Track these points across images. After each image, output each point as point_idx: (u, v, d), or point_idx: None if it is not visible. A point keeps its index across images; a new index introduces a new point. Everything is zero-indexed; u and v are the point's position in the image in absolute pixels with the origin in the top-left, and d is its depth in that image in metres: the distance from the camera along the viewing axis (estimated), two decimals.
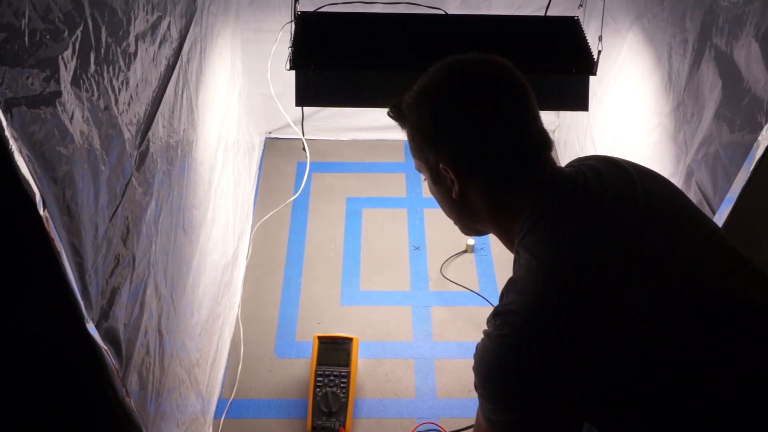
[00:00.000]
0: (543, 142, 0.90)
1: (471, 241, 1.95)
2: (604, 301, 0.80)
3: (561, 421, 0.85)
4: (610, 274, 0.81)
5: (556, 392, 0.81)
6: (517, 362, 0.81)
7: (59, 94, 0.70)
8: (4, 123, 0.60)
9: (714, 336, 0.80)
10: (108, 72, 0.83)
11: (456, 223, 1.02)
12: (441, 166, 0.90)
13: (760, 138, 1.07)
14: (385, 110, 0.97)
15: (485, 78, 0.89)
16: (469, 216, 0.96)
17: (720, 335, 0.80)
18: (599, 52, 1.50)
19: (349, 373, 1.57)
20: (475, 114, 0.87)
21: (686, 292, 0.82)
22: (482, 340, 0.87)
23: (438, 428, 1.55)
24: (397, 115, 0.95)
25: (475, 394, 0.92)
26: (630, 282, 0.81)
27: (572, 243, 0.82)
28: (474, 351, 0.88)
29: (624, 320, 0.80)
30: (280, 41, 1.88)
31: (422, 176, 0.99)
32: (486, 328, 0.87)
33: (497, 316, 0.84)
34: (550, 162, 0.90)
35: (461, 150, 0.88)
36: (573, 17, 1.66)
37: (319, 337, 1.61)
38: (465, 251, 1.96)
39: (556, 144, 0.89)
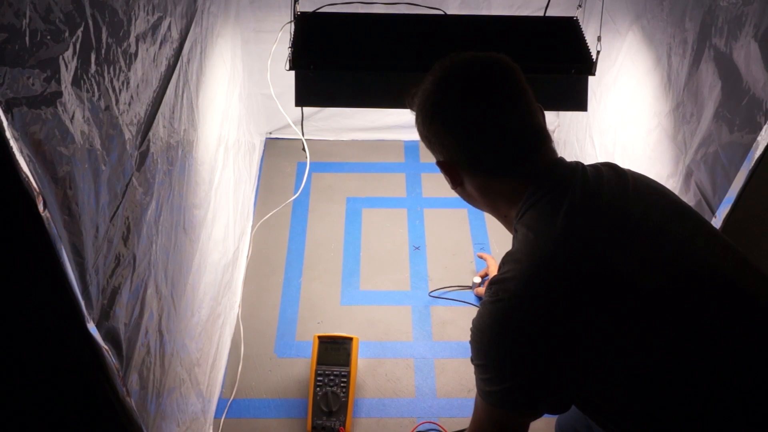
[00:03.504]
0: (538, 134, 0.92)
1: (477, 279, 1.86)
2: (598, 270, 0.83)
3: (553, 393, 0.87)
4: (605, 245, 0.84)
5: (548, 358, 0.83)
6: (511, 325, 0.84)
7: (60, 94, 0.71)
8: (5, 123, 0.60)
9: (698, 300, 0.83)
10: (109, 72, 0.83)
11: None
12: (438, 163, 0.96)
13: (759, 138, 1.07)
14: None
15: (473, 78, 0.91)
16: (471, 202, 1.00)
17: (706, 308, 0.83)
18: (598, 52, 1.50)
19: (349, 372, 1.57)
20: (463, 116, 0.90)
21: (675, 265, 0.85)
22: (479, 310, 0.89)
23: (438, 428, 1.55)
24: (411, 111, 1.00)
25: (474, 394, 0.92)
26: (623, 254, 0.84)
27: (568, 217, 0.85)
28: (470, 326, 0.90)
29: (617, 290, 0.82)
30: (279, 41, 1.88)
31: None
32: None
33: (493, 285, 0.87)
34: (549, 152, 0.93)
35: (452, 151, 0.93)
36: (572, 17, 1.66)
37: (319, 337, 1.62)
38: (470, 287, 1.89)
39: (555, 144, 0.91)
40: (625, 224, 0.86)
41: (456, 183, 0.96)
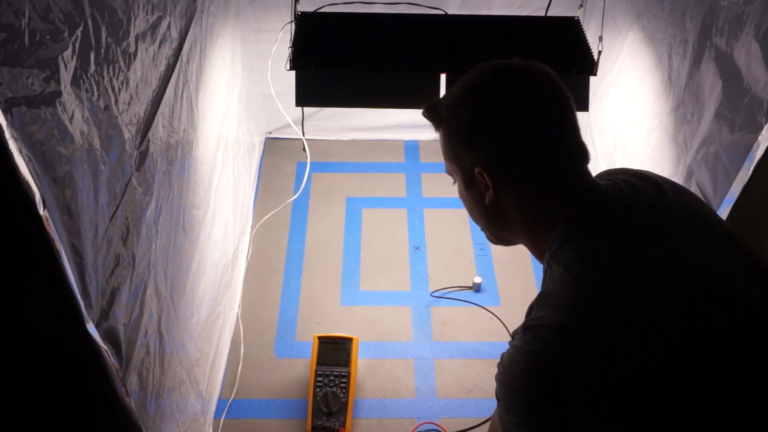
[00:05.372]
0: (581, 153, 0.88)
1: (478, 279, 1.85)
2: (638, 321, 0.79)
3: None
4: (645, 293, 0.80)
5: (582, 411, 0.79)
6: (545, 379, 0.80)
7: (59, 94, 0.70)
8: (4, 123, 0.60)
9: (748, 355, 0.79)
10: (108, 72, 0.83)
11: (484, 229, 1.00)
12: (476, 170, 0.88)
13: (760, 138, 1.07)
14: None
15: (528, 84, 0.88)
16: (500, 224, 0.94)
17: (755, 357, 0.79)
18: (599, 52, 1.50)
19: (349, 373, 1.57)
20: (517, 118, 0.86)
21: (724, 312, 0.81)
22: (509, 352, 0.85)
23: (438, 428, 1.55)
24: (433, 115, 0.94)
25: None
26: (665, 301, 0.80)
27: (607, 260, 0.81)
28: (499, 360, 0.86)
29: (657, 342, 0.78)
30: (280, 41, 1.88)
31: (452, 180, 0.97)
32: (512, 341, 0.85)
33: (527, 331, 0.83)
34: (587, 174, 0.89)
35: (499, 153, 0.87)
36: (573, 17, 1.67)
37: (319, 337, 1.61)
38: (471, 288, 1.87)
39: None
40: (668, 264, 0.82)
41: (494, 194, 0.89)
